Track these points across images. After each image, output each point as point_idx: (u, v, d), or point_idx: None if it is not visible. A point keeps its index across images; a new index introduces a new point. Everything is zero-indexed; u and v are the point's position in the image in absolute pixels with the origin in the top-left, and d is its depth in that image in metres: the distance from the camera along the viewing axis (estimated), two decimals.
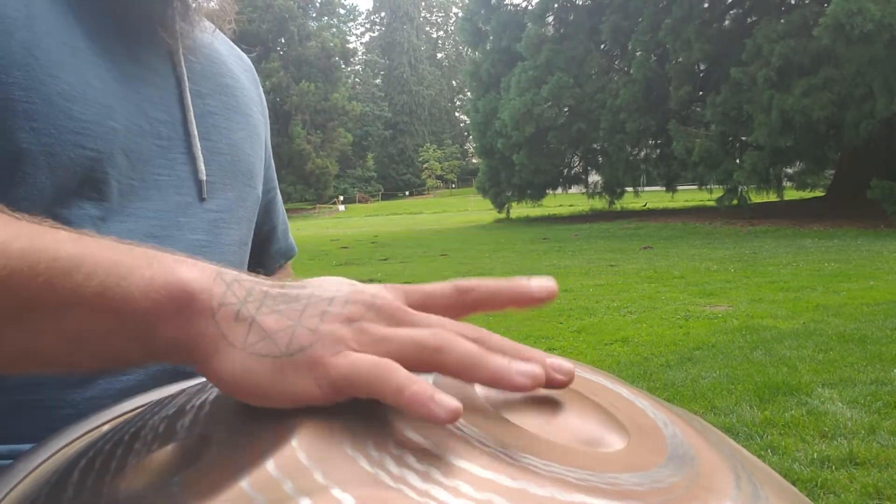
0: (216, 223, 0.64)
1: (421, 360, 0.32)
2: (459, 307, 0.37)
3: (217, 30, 0.71)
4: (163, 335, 0.34)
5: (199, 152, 0.62)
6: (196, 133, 0.62)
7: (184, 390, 0.39)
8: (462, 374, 0.33)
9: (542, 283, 0.37)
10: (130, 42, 0.59)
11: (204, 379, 0.42)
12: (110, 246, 0.36)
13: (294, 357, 0.32)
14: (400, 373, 0.31)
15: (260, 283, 0.36)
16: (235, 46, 0.77)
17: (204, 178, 0.62)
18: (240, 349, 0.33)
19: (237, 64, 0.74)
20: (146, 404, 0.43)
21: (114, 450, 0.33)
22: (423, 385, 0.30)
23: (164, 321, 0.34)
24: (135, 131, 0.57)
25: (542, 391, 0.34)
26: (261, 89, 0.79)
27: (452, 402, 0.30)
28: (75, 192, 0.53)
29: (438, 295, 0.37)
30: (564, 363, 0.34)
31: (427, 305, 0.36)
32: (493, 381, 0.32)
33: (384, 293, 0.35)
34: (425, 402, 0.30)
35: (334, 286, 0.35)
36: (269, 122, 0.81)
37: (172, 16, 0.60)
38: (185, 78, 0.63)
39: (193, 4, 0.62)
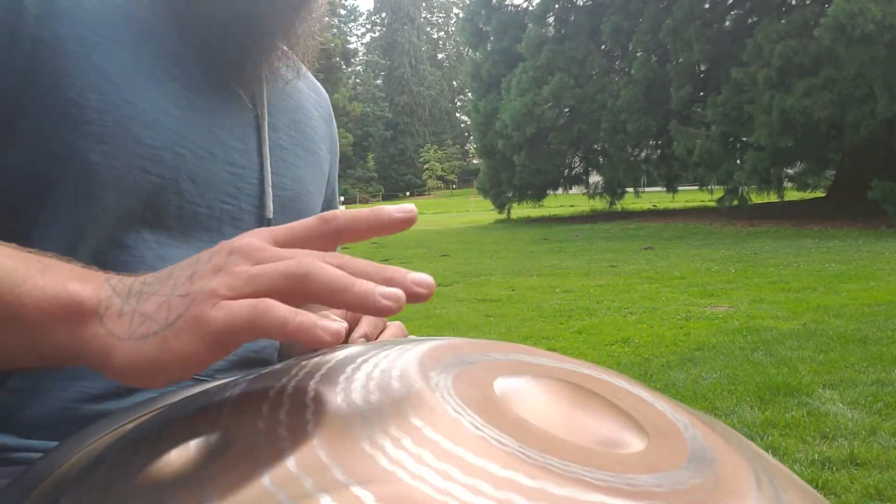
0: None
1: (292, 291, 0.33)
2: (324, 237, 0.37)
3: (303, 72, 0.71)
4: (54, 342, 0.36)
5: (270, 189, 0.62)
6: (269, 168, 0.62)
7: (206, 390, 0.40)
8: (330, 299, 0.33)
9: (402, 208, 0.38)
10: (217, 71, 0.59)
11: (226, 380, 0.42)
12: (9, 253, 0.39)
13: (174, 325, 0.33)
14: (280, 309, 0.32)
15: (140, 278, 0.37)
16: (314, 81, 0.77)
17: (271, 216, 0.62)
18: (127, 339, 0.34)
19: (312, 99, 0.74)
20: (168, 404, 0.43)
21: (138, 446, 0.34)
22: (305, 315, 0.32)
23: (54, 329, 0.36)
24: (205, 157, 0.57)
25: (564, 390, 0.34)
26: (334, 124, 0.79)
27: (335, 325, 0.31)
28: (137, 216, 0.54)
29: (302, 228, 0.37)
30: (425, 277, 0.35)
31: (292, 240, 0.37)
32: (359, 305, 0.33)
33: (245, 237, 0.36)
34: (310, 329, 0.31)
35: (203, 252, 0.37)
36: (337, 158, 0.81)
37: (259, 56, 0.60)
38: (266, 111, 0.63)
39: (280, 45, 0.62)
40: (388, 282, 0.34)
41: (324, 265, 0.33)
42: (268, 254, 0.35)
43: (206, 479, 0.28)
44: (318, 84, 0.78)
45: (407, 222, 0.37)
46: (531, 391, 0.35)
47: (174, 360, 0.33)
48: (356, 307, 0.33)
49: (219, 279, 0.33)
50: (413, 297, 0.34)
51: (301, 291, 0.33)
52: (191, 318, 0.33)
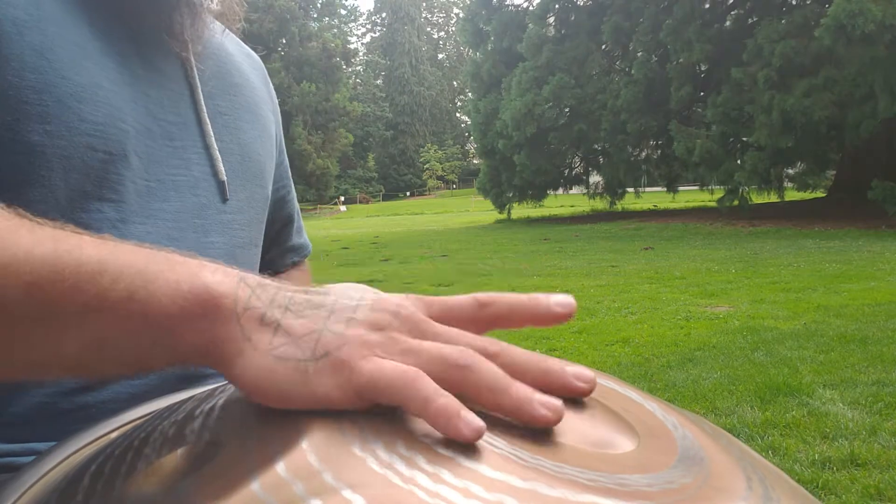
0: (229, 225, 0.64)
1: (446, 377, 0.32)
2: (479, 321, 0.36)
3: (226, 30, 0.71)
4: (187, 339, 0.34)
5: (218, 153, 0.62)
6: (212, 134, 0.62)
7: (193, 396, 0.40)
8: (485, 398, 0.32)
9: (561, 300, 0.36)
10: (141, 45, 0.59)
11: (213, 385, 0.42)
12: (133, 250, 0.37)
13: (319, 361, 0.32)
14: (428, 383, 0.31)
15: (284, 289, 0.36)
16: (244, 45, 0.77)
17: (224, 178, 0.63)
18: (263, 352, 0.33)
19: (246, 62, 0.74)
20: (155, 411, 0.43)
21: (123, 455, 0.34)
22: (451, 399, 0.30)
23: (189, 326, 0.34)
24: (144, 133, 0.57)
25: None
26: (271, 86, 0.80)
27: (478, 421, 0.29)
28: (92, 194, 0.53)
29: (458, 308, 0.36)
30: (585, 371, 0.34)
31: (448, 318, 0.36)
32: (515, 410, 0.31)
33: (407, 303, 0.35)
34: (451, 416, 0.29)
35: (358, 294, 0.36)
36: (280, 119, 0.81)
37: (181, 21, 0.60)
38: (198, 81, 0.63)
39: (201, 8, 0.62)
40: (546, 375, 0.33)
41: (485, 361, 0.32)
42: (430, 330, 0.34)
43: (194, 486, 0.28)
44: (250, 49, 0.78)
45: (565, 317, 0.36)
46: None
47: (305, 397, 0.31)
48: (510, 412, 0.31)
49: (377, 337, 0.33)
50: (572, 391, 0.33)
51: (458, 382, 0.32)
52: (339, 361, 0.32)
